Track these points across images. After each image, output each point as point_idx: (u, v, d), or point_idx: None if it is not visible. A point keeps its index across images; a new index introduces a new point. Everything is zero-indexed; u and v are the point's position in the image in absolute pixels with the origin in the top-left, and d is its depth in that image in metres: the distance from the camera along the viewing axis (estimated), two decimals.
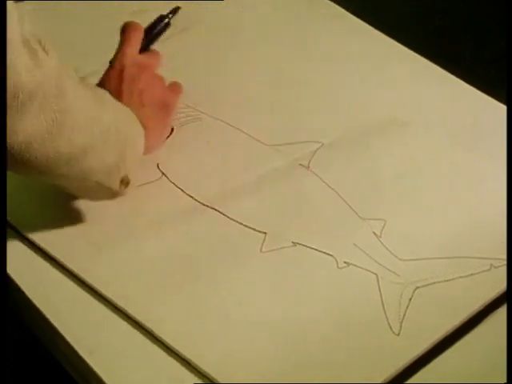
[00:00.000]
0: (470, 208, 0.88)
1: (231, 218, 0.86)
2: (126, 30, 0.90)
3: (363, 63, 1.06)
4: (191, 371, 0.73)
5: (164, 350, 0.75)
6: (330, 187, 0.89)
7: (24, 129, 0.68)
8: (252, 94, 1.00)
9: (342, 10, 1.14)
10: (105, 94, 0.81)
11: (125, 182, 0.80)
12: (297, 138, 0.94)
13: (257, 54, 1.07)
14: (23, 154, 0.69)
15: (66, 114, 0.71)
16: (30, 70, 0.67)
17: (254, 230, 0.85)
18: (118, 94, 0.84)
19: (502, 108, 0.99)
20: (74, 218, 0.83)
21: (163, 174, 0.90)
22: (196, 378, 0.73)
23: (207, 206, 0.87)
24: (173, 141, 0.94)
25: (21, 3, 1.11)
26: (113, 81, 0.86)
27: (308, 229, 0.85)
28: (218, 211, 0.86)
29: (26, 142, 0.69)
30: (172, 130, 0.94)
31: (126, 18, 1.09)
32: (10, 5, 0.67)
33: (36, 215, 0.85)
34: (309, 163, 0.92)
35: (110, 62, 0.89)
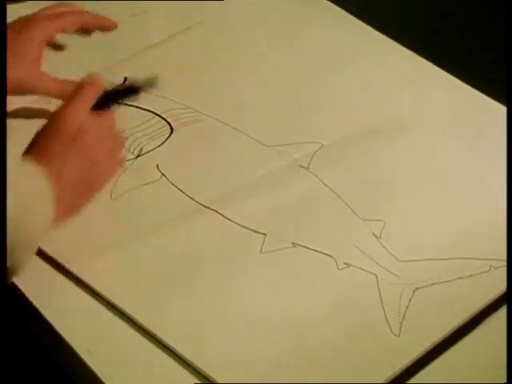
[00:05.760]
0: (469, 209, 0.88)
1: (231, 220, 0.86)
2: (81, 84, 0.83)
3: (363, 64, 1.07)
4: (191, 372, 0.73)
5: (164, 351, 0.75)
6: (329, 188, 0.89)
7: None
8: (252, 95, 1.01)
9: (343, 11, 1.14)
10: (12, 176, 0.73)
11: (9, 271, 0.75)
12: (296, 139, 0.94)
13: (257, 55, 1.07)
14: None
15: None
16: None
17: (254, 231, 0.85)
18: (46, 152, 0.79)
19: (503, 109, 0.99)
20: (73, 218, 0.83)
21: (163, 174, 0.90)
22: (196, 379, 0.73)
23: (207, 207, 0.87)
24: (173, 142, 0.94)
25: (21, 3, 1.12)
26: (47, 137, 0.80)
27: (308, 230, 0.85)
28: (218, 212, 0.86)
29: None
30: (172, 131, 0.94)
31: (126, 21, 1.09)
32: None
33: None
34: (308, 164, 0.92)
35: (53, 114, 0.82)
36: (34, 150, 0.80)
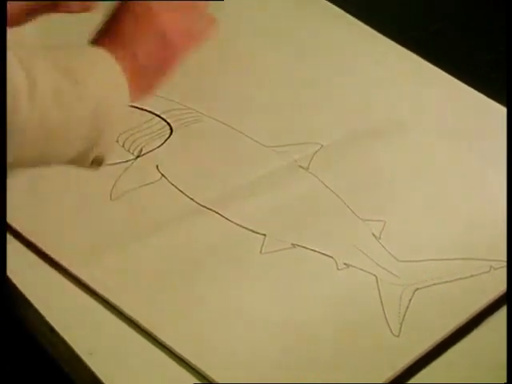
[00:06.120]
0: (469, 209, 0.88)
1: (231, 220, 0.86)
2: None
3: (363, 64, 1.07)
4: (191, 372, 0.73)
5: (163, 351, 0.75)
6: (329, 188, 0.89)
7: None
8: (252, 96, 1.01)
9: (342, 12, 1.14)
10: (80, 64, 0.73)
11: (97, 162, 0.75)
12: (296, 140, 0.94)
13: (256, 55, 1.07)
14: None
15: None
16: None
17: (254, 231, 0.85)
18: (117, 35, 0.76)
19: (502, 110, 0.99)
20: (73, 218, 0.83)
21: (162, 175, 0.90)
22: (195, 379, 0.73)
23: (207, 208, 0.87)
24: (173, 142, 0.94)
25: None
26: (117, 20, 0.77)
27: (307, 230, 0.85)
28: (218, 213, 0.86)
29: None
30: (171, 131, 0.94)
31: None
32: None
33: (35, 216, 0.85)
34: (308, 165, 0.92)
35: None
36: (103, 34, 0.77)
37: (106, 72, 0.74)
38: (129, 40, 0.76)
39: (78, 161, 0.74)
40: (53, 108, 0.70)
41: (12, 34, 0.72)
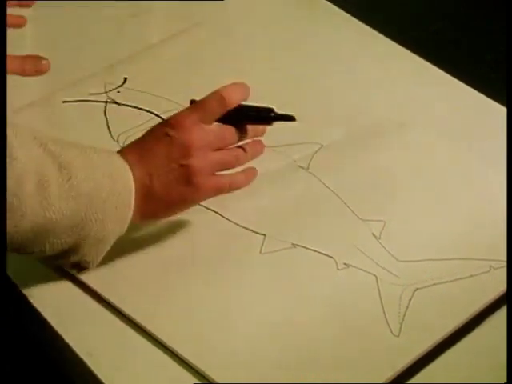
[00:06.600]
0: (469, 209, 0.88)
1: (230, 220, 0.86)
2: (225, 87, 0.80)
3: (363, 64, 1.06)
4: (191, 372, 0.73)
5: (163, 351, 0.75)
6: (329, 188, 0.89)
7: None
8: (251, 96, 1.00)
9: (342, 12, 1.14)
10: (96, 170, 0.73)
11: (79, 267, 0.76)
12: (296, 140, 0.94)
13: (256, 55, 1.07)
14: None
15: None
16: None
17: (254, 231, 0.85)
18: (144, 152, 0.77)
19: (502, 110, 0.99)
20: None
21: None
22: (195, 379, 0.73)
23: (206, 208, 0.87)
24: None
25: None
26: (159, 141, 0.77)
27: (307, 230, 0.85)
28: (218, 213, 0.86)
29: None
30: None
31: (126, 21, 1.09)
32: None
33: None
34: (308, 165, 0.92)
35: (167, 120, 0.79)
36: (133, 147, 0.78)
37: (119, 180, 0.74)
38: (154, 166, 0.76)
39: (58, 259, 0.74)
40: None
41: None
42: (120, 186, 0.74)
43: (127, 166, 0.75)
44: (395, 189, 0.90)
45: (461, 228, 0.86)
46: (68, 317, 0.77)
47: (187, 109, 0.79)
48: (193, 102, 0.80)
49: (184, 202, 0.79)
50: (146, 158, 0.76)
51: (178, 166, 0.76)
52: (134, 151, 0.77)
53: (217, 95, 0.79)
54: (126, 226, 0.76)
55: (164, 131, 0.77)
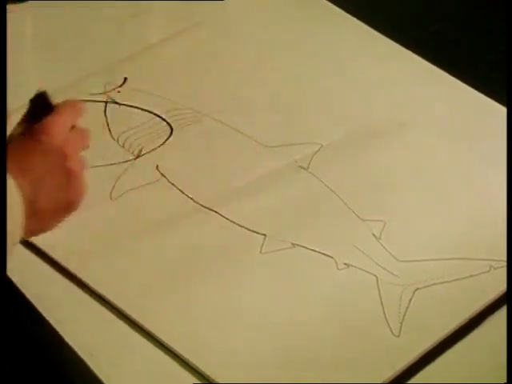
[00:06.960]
0: (469, 209, 0.88)
1: (230, 220, 0.86)
2: (67, 102, 0.81)
3: (363, 64, 1.07)
4: (191, 372, 0.73)
5: (164, 351, 0.75)
6: (329, 188, 0.89)
7: None
8: (251, 96, 1.01)
9: (342, 11, 1.14)
10: None
11: None
12: (296, 140, 0.94)
13: (256, 55, 1.07)
14: None
15: None
16: None
17: (254, 231, 0.85)
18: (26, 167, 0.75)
19: (502, 110, 0.99)
20: (72, 219, 0.83)
21: (162, 175, 0.90)
22: (195, 379, 0.73)
23: (206, 208, 0.87)
24: (172, 142, 0.94)
25: (22, 4, 1.12)
26: (25, 146, 0.76)
27: (307, 230, 0.85)
28: (218, 213, 0.86)
29: None
30: (171, 131, 0.94)
31: (126, 21, 1.09)
32: None
33: None
34: (308, 165, 0.92)
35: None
36: (14, 163, 0.75)
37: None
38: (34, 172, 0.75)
39: None
40: None
41: None
42: None
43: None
44: (395, 189, 0.90)
45: (461, 228, 0.86)
46: (68, 317, 0.77)
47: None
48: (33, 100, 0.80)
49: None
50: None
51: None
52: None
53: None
54: None
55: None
